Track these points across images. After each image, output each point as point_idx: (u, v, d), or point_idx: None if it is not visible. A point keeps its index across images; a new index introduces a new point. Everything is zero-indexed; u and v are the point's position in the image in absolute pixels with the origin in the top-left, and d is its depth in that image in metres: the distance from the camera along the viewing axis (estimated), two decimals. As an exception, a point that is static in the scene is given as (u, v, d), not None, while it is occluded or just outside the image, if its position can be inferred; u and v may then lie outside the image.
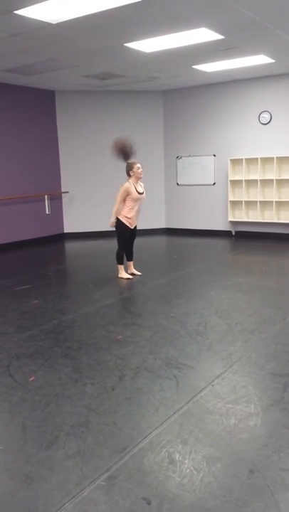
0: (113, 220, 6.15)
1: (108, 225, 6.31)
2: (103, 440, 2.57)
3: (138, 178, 6.14)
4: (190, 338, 4.09)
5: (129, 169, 6.12)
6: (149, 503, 2.08)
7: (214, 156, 9.65)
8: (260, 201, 9.05)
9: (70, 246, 9.43)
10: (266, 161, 8.93)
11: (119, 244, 6.37)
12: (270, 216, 9.06)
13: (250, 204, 9.29)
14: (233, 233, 9.67)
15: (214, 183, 9.76)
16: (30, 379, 3.35)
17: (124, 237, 6.29)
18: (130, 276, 6.34)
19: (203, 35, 5.85)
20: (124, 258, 6.46)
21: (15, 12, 4.85)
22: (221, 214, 9.76)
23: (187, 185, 10.13)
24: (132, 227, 6.26)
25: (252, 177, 9.12)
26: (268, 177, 8.95)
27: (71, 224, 10.13)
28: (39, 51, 6.41)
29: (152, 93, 9.97)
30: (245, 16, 5.18)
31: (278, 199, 8.90)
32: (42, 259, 8.19)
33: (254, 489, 2.15)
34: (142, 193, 6.20)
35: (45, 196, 9.55)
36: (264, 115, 8.93)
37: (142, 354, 3.75)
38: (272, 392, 3.07)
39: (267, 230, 9.25)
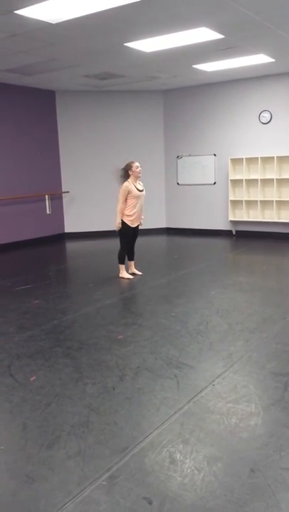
0: (118, 220, 6.16)
1: (113, 226, 6.33)
2: (104, 440, 2.57)
3: (137, 177, 6.15)
4: (191, 337, 4.09)
5: (128, 168, 6.13)
6: (150, 503, 2.08)
7: (214, 155, 9.65)
8: (260, 201, 9.05)
9: (70, 246, 9.43)
10: (266, 160, 8.93)
11: (121, 244, 6.38)
12: (271, 215, 9.06)
13: (250, 203, 9.28)
14: (234, 233, 9.67)
15: (215, 183, 9.76)
16: (31, 379, 3.35)
17: (127, 237, 6.30)
18: (131, 277, 6.35)
19: (203, 34, 5.85)
20: (126, 258, 6.47)
21: (15, 12, 4.85)
22: (221, 213, 9.76)
23: (188, 184, 10.12)
24: (134, 226, 6.27)
25: (252, 176, 9.12)
26: (268, 176, 8.95)
27: (72, 224, 10.13)
28: (39, 51, 6.41)
29: (152, 93, 9.97)
30: (245, 16, 5.18)
31: (279, 198, 8.90)
32: (42, 259, 8.19)
33: (255, 488, 2.15)
34: (142, 191, 6.22)
35: (46, 196, 9.55)
36: (264, 114, 8.93)
37: (142, 354, 3.75)
38: (273, 392, 3.07)
39: (267, 229, 9.25)
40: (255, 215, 9.26)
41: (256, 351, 3.75)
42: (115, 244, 6.43)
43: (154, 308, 5.00)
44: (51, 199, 9.67)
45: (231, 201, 9.45)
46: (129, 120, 9.98)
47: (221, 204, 9.73)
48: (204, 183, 9.87)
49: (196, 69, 7.91)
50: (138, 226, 6.37)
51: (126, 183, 6.10)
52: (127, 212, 6.16)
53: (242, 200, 9.29)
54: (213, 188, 9.80)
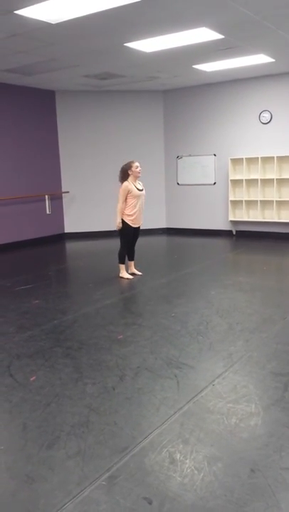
0: (119, 220, 6.15)
1: (113, 226, 6.33)
2: (104, 440, 2.57)
3: (136, 177, 6.15)
4: (191, 337, 4.09)
5: (127, 168, 6.13)
6: (150, 503, 2.08)
7: (214, 155, 9.65)
8: (260, 201, 9.05)
9: (70, 246, 9.43)
10: (266, 160, 8.93)
11: (121, 244, 6.38)
12: (271, 215, 9.06)
13: (250, 203, 9.28)
14: (234, 233, 9.67)
15: (215, 183, 9.76)
16: (31, 379, 3.35)
17: (127, 236, 6.30)
18: (131, 277, 6.34)
19: (203, 34, 5.85)
20: (126, 257, 6.47)
21: (15, 12, 4.85)
22: (221, 213, 9.76)
23: (188, 184, 10.12)
24: (135, 226, 6.27)
25: (252, 176, 9.12)
26: (268, 176, 8.95)
27: (72, 224, 10.13)
28: (39, 51, 6.41)
29: (152, 93, 9.97)
30: (245, 16, 5.18)
31: (279, 198, 8.90)
32: (42, 259, 8.19)
33: (255, 489, 2.15)
34: (142, 190, 6.22)
35: (46, 196, 9.55)
36: (264, 114, 8.93)
37: (142, 354, 3.75)
38: (273, 392, 3.06)
39: (267, 229, 9.25)
40: (255, 215, 9.25)
41: (256, 351, 3.74)
42: (115, 244, 6.43)
43: (154, 308, 5.00)
44: (51, 199, 9.67)
45: (231, 201, 9.44)
46: (129, 120, 9.98)
47: (221, 204, 9.73)
48: (204, 183, 9.87)
49: (196, 69, 7.91)
50: (139, 227, 6.38)
51: (125, 183, 6.10)
52: (127, 211, 6.16)
53: (242, 200, 9.28)
54: (213, 188, 9.79)
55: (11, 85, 8.68)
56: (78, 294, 5.73)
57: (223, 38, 6.06)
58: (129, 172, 6.11)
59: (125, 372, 3.42)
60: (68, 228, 10.13)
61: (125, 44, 6.21)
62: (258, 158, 8.94)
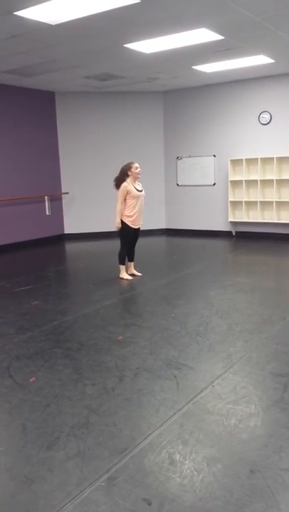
0: (118, 220, 6.16)
1: (113, 227, 6.33)
2: (103, 441, 2.57)
3: (136, 178, 6.15)
4: (190, 338, 4.09)
5: (127, 169, 6.13)
6: (149, 504, 2.08)
7: (214, 156, 9.65)
8: (260, 201, 9.05)
9: (70, 247, 9.44)
10: (266, 161, 8.93)
11: (121, 245, 6.38)
12: (271, 216, 9.06)
13: (250, 204, 9.28)
14: (234, 233, 9.67)
15: (214, 184, 9.76)
16: (31, 380, 3.35)
17: (127, 237, 6.30)
18: (130, 278, 6.34)
19: (203, 35, 5.86)
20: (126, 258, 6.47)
21: (15, 13, 4.85)
22: (221, 214, 9.76)
23: (187, 185, 10.12)
24: (135, 227, 6.27)
25: (252, 177, 9.12)
26: (268, 177, 8.95)
27: (71, 225, 10.13)
28: (39, 52, 6.42)
29: (152, 94, 9.98)
30: (245, 17, 5.18)
31: (278, 199, 8.90)
32: (42, 260, 8.19)
33: (254, 489, 2.15)
34: (141, 191, 6.22)
35: (46, 197, 9.55)
36: (264, 115, 8.93)
37: (142, 355, 3.75)
38: (272, 393, 3.06)
39: (267, 230, 9.25)
40: (254, 216, 9.26)
41: (256, 352, 3.74)
42: (115, 245, 6.43)
43: (153, 309, 5.00)
44: (51, 200, 9.67)
45: (231, 202, 9.45)
46: (129, 121, 9.98)
47: (220, 205, 9.73)
48: (204, 184, 9.88)
49: (196, 70, 7.92)
50: (139, 228, 6.38)
51: (124, 184, 6.10)
52: (126, 212, 6.16)
53: (242, 201, 9.29)
54: (212, 189, 9.80)
55: (11, 86, 8.69)
56: (78, 295, 5.73)
57: (222, 39, 6.07)
58: (129, 173, 6.11)
59: (125, 373, 3.42)
60: (68, 229, 10.13)
61: (125, 45, 6.21)
62: (257, 159, 8.94)
